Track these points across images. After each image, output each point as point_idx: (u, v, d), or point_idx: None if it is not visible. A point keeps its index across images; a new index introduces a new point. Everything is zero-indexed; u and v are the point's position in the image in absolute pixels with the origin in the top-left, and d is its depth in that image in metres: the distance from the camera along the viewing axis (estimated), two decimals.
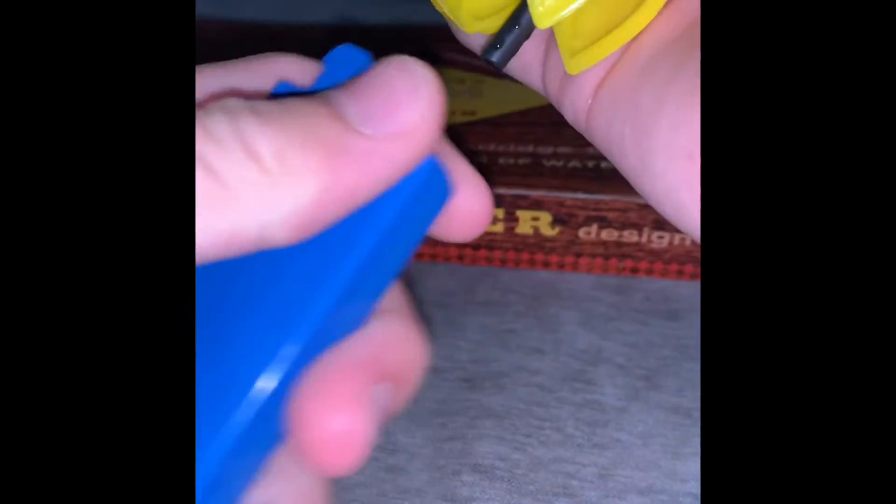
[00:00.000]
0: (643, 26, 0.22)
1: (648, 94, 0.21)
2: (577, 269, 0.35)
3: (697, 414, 0.30)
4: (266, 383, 0.19)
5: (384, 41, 0.47)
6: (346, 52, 0.21)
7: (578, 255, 0.35)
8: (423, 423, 0.30)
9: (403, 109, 0.19)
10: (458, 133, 0.38)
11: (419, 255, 0.37)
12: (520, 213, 0.35)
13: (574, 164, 0.35)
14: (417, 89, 0.19)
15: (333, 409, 0.19)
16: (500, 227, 0.36)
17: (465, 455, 0.29)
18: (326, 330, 0.19)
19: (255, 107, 0.19)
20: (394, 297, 0.22)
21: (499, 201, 0.35)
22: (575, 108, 0.23)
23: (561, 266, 0.35)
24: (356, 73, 0.20)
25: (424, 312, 0.34)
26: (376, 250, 0.20)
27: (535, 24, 0.21)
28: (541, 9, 0.21)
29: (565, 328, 0.33)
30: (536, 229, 0.35)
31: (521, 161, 0.36)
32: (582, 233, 0.34)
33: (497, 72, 0.23)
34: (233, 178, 0.18)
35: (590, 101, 0.23)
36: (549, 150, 0.36)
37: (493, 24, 0.24)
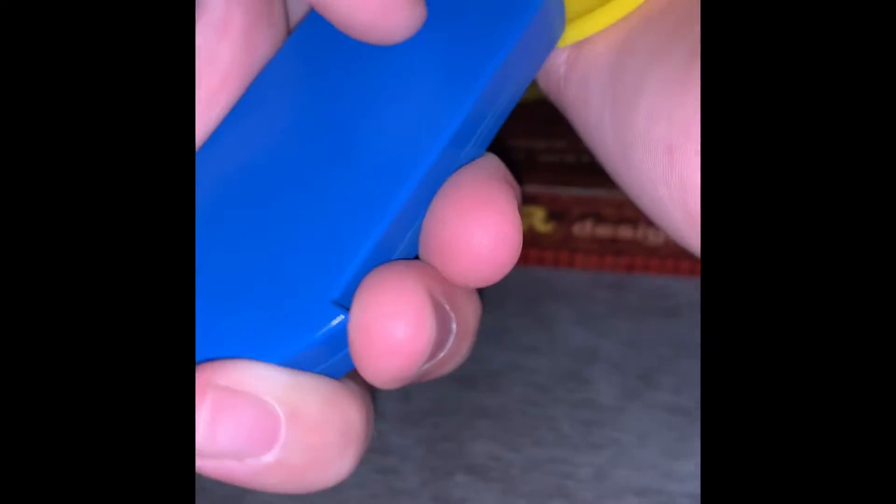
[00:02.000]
0: None
1: (628, 78, 0.20)
2: (572, 266, 0.35)
3: (695, 413, 0.29)
4: (402, 194, 0.18)
5: None
6: None
7: (573, 251, 0.35)
8: (416, 424, 0.30)
9: None
10: None
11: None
12: None
13: (569, 158, 0.35)
14: None
15: (485, 206, 0.18)
16: None
17: (458, 455, 0.29)
18: (451, 156, 0.19)
19: None
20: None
21: None
22: (548, 78, 0.22)
23: (555, 263, 0.35)
24: None
25: None
26: (498, 74, 0.19)
27: None
28: None
29: (560, 326, 0.33)
30: (530, 226, 0.34)
31: (514, 156, 0.35)
32: (576, 229, 0.34)
33: None
34: None
35: (562, 70, 0.22)
36: (544, 144, 0.36)
37: None
